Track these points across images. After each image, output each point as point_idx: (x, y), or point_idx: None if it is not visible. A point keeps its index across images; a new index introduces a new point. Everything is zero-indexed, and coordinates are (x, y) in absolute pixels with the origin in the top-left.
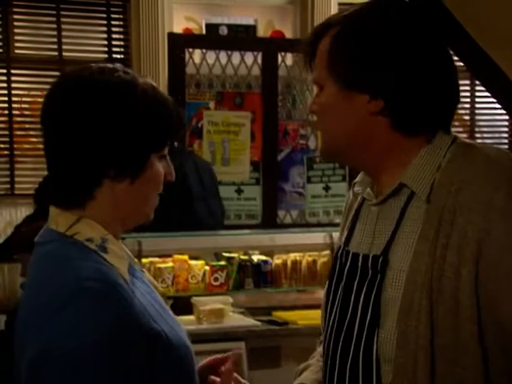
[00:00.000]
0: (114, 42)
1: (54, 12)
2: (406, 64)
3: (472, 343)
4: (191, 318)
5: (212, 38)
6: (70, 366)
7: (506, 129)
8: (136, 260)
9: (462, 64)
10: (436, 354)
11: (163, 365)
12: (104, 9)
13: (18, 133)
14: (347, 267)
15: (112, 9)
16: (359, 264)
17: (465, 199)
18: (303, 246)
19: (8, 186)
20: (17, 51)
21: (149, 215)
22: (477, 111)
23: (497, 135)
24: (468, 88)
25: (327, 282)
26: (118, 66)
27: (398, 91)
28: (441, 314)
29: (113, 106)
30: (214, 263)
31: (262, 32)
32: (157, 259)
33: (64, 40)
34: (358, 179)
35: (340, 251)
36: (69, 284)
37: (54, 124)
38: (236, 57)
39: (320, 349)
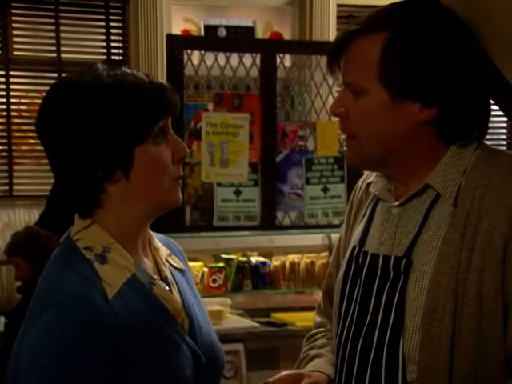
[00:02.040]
0: (112, 44)
1: (53, 14)
2: (458, 70)
3: (493, 347)
4: None
5: (210, 40)
6: (28, 376)
7: (504, 130)
8: (158, 268)
9: None
10: (456, 356)
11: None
12: (102, 10)
13: (17, 134)
14: (366, 267)
15: (110, 10)
16: (379, 265)
17: (490, 204)
18: (302, 248)
19: (6, 187)
20: (15, 53)
21: (171, 200)
22: None
23: (495, 137)
24: None
25: (341, 282)
26: (97, 65)
27: (454, 98)
28: (464, 317)
29: (74, 110)
30: (213, 265)
31: (260, 33)
32: None
33: (62, 42)
34: (372, 179)
35: (356, 251)
36: (43, 294)
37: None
38: (234, 58)
39: (322, 341)
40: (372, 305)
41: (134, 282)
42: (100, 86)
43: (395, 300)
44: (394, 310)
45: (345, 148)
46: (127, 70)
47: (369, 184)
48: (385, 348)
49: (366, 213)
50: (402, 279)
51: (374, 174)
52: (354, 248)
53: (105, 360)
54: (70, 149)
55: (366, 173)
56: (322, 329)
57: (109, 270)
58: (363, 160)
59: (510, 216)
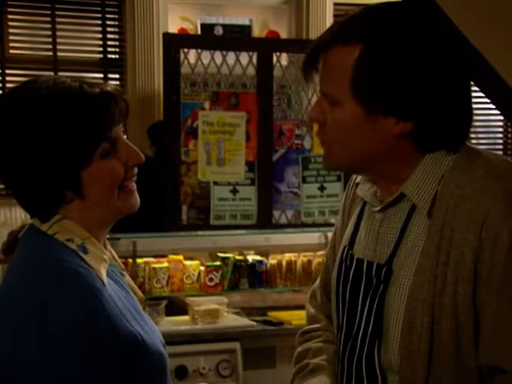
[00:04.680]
0: (108, 42)
1: (49, 12)
2: (436, 84)
3: (469, 360)
4: (186, 318)
5: (207, 38)
6: (43, 371)
7: (500, 129)
8: (118, 263)
9: None
10: (436, 368)
11: (140, 371)
12: (99, 9)
13: None
14: (352, 271)
15: (107, 9)
16: (364, 270)
17: (461, 216)
18: (298, 247)
19: (3, 186)
20: (11, 51)
21: (125, 208)
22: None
23: (492, 136)
24: None
25: (334, 285)
26: (36, 83)
27: (430, 112)
28: (442, 330)
29: (10, 137)
30: (209, 263)
31: (257, 32)
32: (152, 259)
33: (59, 40)
34: (359, 180)
35: (345, 253)
36: (43, 286)
37: None
38: (231, 57)
39: (317, 345)
40: (359, 311)
41: (110, 271)
42: (30, 117)
43: (374, 308)
44: (372, 318)
45: None
46: (61, 92)
47: (357, 184)
48: (364, 355)
49: (354, 214)
50: (381, 288)
51: None
52: (344, 248)
53: (122, 342)
54: (14, 176)
55: None
56: (317, 325)
57: (91, 259)
58: (337, 167)
59: (479, 230)
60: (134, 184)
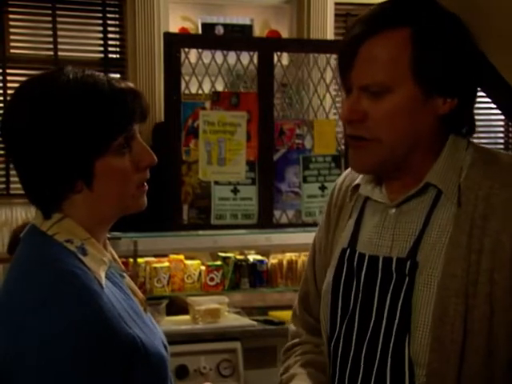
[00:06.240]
0: (109, 42)
1: (50, 12)
2: (472, 60)
3: (502, 347)
4: (187, 317)
5: (208, 38)
6: (44, 371)
7: (501, 129)
8: (118, 264)
9: None
10: (467, 357)
11: (139, 373)
12: (100, 8)
13: None
14: (364, 269)
15: (108, 8)
16: (379, 266)
17: (498, 205)
18: (299, 246)
19: (4, 185)
20: (12, 51)
21: (135, 206)
22: None
23: (492, 135)
24: None
25: (331, 286)
26: (62, 72)
27: (471, 89)
28: (475, 319)
29: (29, 123)
30: (210, 263)
31: (258, 32)
32: (152, 259)
33: (60, 40)
34: (359, 181)
35: (348, 254)
36: (43, 287)
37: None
38: (232, 56)
39: (295, 358)
40: (375, 308)
41: (110, 273)
42: (56, 99)
43: (400, 302)
44: (399, 312)
45: (342, 147)
46: (89, 81)
47: (356, 186)
48: (390, 351)
49: (351, 214)
50: (407, 281)
51: (357, 174)
52: (343, 250)
53: (121, 344)
54: (28, 159)
55: (344, 173)
56: (297, 340)
57: (90, 261)
58: (380, 164)
59: None
60: (146, 184)
